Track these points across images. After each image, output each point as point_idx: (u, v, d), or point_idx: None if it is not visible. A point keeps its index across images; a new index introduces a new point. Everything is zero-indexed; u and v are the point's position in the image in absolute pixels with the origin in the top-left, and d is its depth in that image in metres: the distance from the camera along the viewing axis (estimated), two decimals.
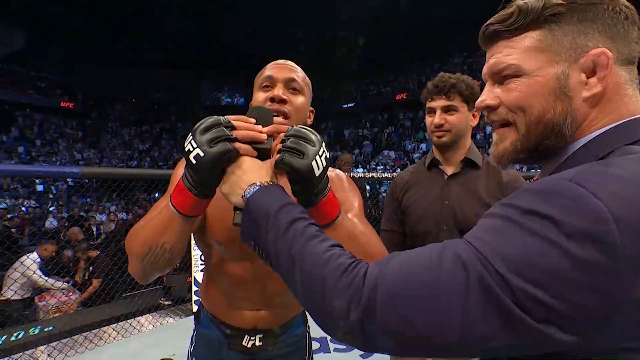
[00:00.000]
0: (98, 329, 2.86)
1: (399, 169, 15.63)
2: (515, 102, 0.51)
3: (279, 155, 0.62)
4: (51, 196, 12.99)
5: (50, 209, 9.26)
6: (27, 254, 3.69)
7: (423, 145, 17.07)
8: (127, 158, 20.08)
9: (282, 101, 0.82)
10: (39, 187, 14.62)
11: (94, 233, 7.17)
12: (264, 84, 0.85)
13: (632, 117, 0.48)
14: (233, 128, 0.62)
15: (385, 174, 3.50)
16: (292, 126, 0.67)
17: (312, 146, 0.63)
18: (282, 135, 0.66)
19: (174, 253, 0.71)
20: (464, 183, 1.25)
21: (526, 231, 0.39)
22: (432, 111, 1.27)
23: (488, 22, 0.54)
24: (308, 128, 0.66)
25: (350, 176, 3.34)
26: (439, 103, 1.25)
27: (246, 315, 0.94)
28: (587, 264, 0.36)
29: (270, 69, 0.86)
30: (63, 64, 20.45)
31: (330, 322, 0.45)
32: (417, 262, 0.44)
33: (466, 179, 1.26)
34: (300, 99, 0.85)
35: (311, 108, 0.93)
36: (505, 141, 0.54)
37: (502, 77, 0.53)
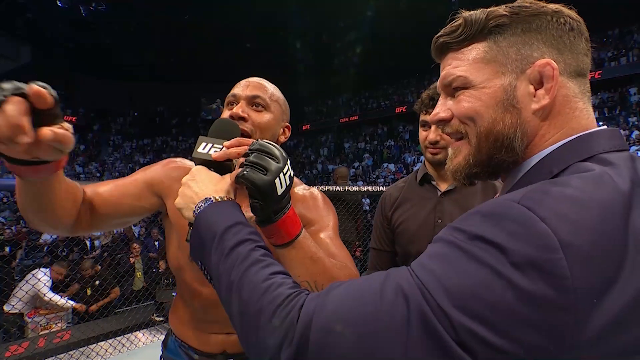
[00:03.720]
0: (95, 344, 2.80)
1: None
2: (465, 113, 0.50)
3: (240, 169, 0.60)
4: None
5: None
6: (40, 268, 3.70)
7: (423, 158, 17.04)
8: (129, 171, 20.13)
9: (241, 119, 0.79)
10: None
11: (87, 246, 7.11)
12: (228, 102, 0.84)
13: (585, 132, 0.46)
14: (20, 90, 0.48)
15: (382, 188, 3.49)
16: (257, 140, 0.64)
17: (276, 162, 0.60)
18: (244, 149, 0.63)
19: (30, 212, 0.68)
20: (459, 200, 1.17)
21: (471, 259, 0.36)
22: (427, 125, 1.20)
23: (438, 34, 0.54)
24: (273, 144, 0.63)
25: (345, 189, 3.32)
26: None
27: (215, 339, 0.91)
28: (534, 297, 0.32)
29: (237, 87, 0.85)
30: (64, 78, 20.72)
31: None
32: (358, 293, 0.40)
33: (461, 195, 1.18)
34: (265, 116, 0.82)
35: (287, 124, 0.91)
36: (459, 155, 0.53)
37: (452, 89, 0.52)
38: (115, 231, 7.30)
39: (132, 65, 21.70)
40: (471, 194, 1.18)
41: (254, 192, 0.59)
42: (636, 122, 13.14)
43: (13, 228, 8.02)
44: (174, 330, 0.96)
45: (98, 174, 19.05)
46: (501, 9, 0.49)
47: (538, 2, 0.49)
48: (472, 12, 0.51)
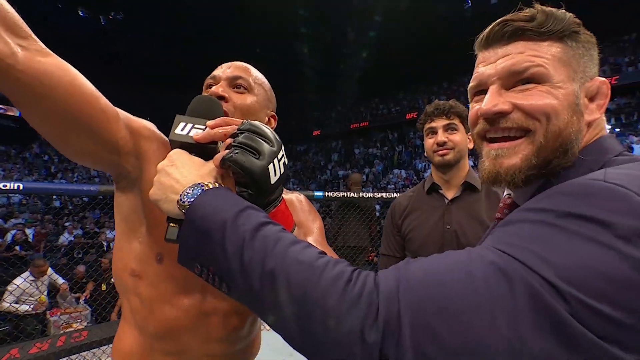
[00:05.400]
0: (107, 346, 2.86)
1: (408, 188, 15.51)
2: (542, 108, 0.46)
3: (227, 151, 0.50)
4: (66, 211, 13.30)
5: (66, 224, 9.45)
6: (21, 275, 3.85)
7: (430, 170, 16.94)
8: None
9: (221, 98, 0.68)
10: (56, 203, 14.98)
11: (104, 247, 7.27)
12: (207, 85, 0.74)
13: (601, 136, 0.50)
14: None
15: (396, 195, 3.50)
16: (247, 120, 0.55)
17: (270, 146, 0.52)
18: (232, 128, 0.54)
19: None
20: (465, 207, 1.24)
21: (571, 235, 0.34)
22: (433, 131, 1.28)
23: (505, 18, 0.50)
24: (266, 125, 0.55)
25: (360, 196, 3.34)
26: (440, 123, 1.26)
27: None
28: None
29: (217, 69, 0.75)
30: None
31: (339, 352, 0.35)
32: (443, 269, 0.36)
33: (467, 202, 1.25)
34: (248, 99, 0.71)
35: (273, 113, 0.79)
36: (515, 156, 0.49)
37: (519, 80, 0.48)
38: None
39: (144, 74, 22.15)
40: (476, 200, 1.25)
41: (244, 178, 0.51)
42: None
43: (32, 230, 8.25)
44: None
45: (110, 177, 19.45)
46: (575, 18, 0.49)
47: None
48: (547, 9, 0.49)
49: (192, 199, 0.47)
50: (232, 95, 0.70)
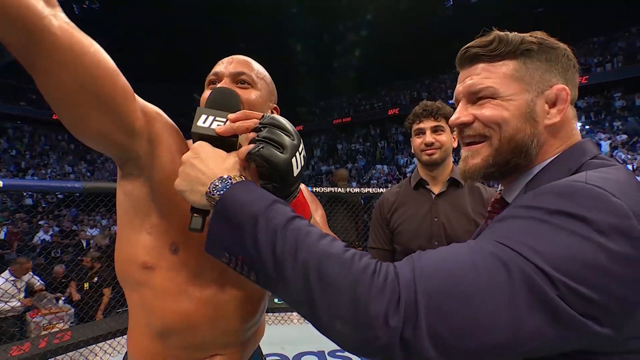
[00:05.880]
0: (94, 345, 2.82)
1: (391, 184, 15.76)
2: (493, 118, 0.56)
3: (252, 145, 0.52)
4: (40, 209, 12.74)
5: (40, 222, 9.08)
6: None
7: (416, 160, 17.24)
8: None
9: None
10: (28, 200, 14.32)
11: (84, 247, 7.05)
12: (210, 81, 0.74)
13: (579, 141, 0.58)
14: None
15: (382, 190, 3.59)
16: (266, 114, 0.57)
17: (292, 139, 0.54)
18: (254, 122, 0.56)
19: None
20: (451, 201, 1.34)
21: (558, 229, 0.41)
22: (422, 132, 1.37)
23: (468, 45, 0.60)
24: (284, 119, 0.57)
25: (347, 191, 3.41)
26: (427, 124, 1.35)
27: None
28: (621, 256, 0.39)
29: (219, 64, 0.75)
30: None
31: (364, 334, 0.39)
32: (450, 258, 0.42)
33: (452, 197, 1.35)
34: (252, 94, 0.72)
35: (275, 106, 0.80)
36: (477, 157, 0.58)
37: (477, 97, 0.58)
38: (113, 232, 7.23)
39: (124, 66, 21.40)
40: (461, 195, 1.35)
41: (269, 171, 0.53)
42: (620, 127, 13.55)
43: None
44: None
45: (88, 174, 18.76)
46: (530, 37, 0.57)
47: (551, 37, 0.59)
48: (505, 32, 0.58)
49: (221, 192, 0.49)
50: (237, 91, 0.70)
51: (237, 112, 0.57)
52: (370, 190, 3.55)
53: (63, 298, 4.29)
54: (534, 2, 15.43)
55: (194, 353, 0.72)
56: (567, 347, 0.41)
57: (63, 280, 4.48)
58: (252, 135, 0.55)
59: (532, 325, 0.38)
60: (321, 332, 0.43)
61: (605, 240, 0.39)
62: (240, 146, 0.57)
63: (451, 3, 14.64)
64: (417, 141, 1.38)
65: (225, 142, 0.56)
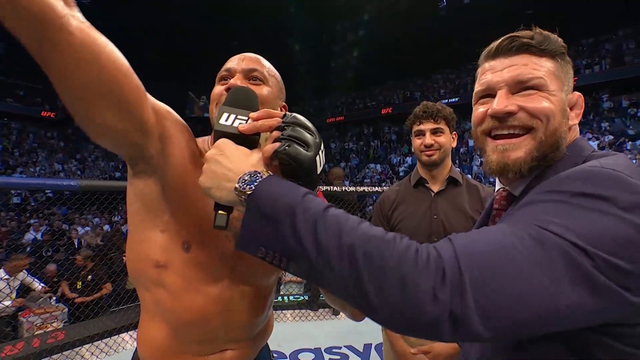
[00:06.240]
0: (90, 344, 2.81)
1: (384, 182, 15.87)
2: (543, 110, 0.56)
3: (278, 143, 0.54)
4: (29, 208, 12.50)
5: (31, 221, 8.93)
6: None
7: (409, 159, 17.46)
8: (111, 169, 19.61)
9: None
10: (15, 199, 14.06)
11: (75, 245, 6.97)
12: (221, 77, 0.74)
13: (577, 138, 0.62)
14: None
15: (377, 188, 3.64)
16: (288, 113, 0.59)
17: (314, 138, 0.56)
18: (277, 121, 0.57)
19: None
20: (450, 199, 1.39)
21: (585, 209, 0.44)
22: (421, 133, 1.40)
23: (514, 34, 0.60)
24: (304, 118, 0.59)
25: (342, 189, 3.45)
26: (427, 126, 1.39)
27: None
28: None
29: (230, 61, 0.75)
30: (42, 71, 19.95)
31: (415, 310, 0.40)
32: (489, 241, 0.44)
33: (451, 195, 1.40)
34: (264, 90, 0.73)
35: (284, 104, 0.81)
36: (519, 150, 0.58)
37: (523, 87, 0.58)
38: (105, 231, 7.15)
39: None
40: (459, 193, 1.40)
41: (296, 170, 0.53)
42: (608, 127, 13.85)
43: None
44: (145, 357, 0.74)
45: (79, 172, 18.48)
46: (561, 40, 0.60)
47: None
48: (544, 32, 0.60)
49: (252, 186, 0.49)
50: (251, 88, 0.70)
51: (259, 111, 0.58)
52: (365, 189, 3.59)
53: (55, 297, 4.25)
54: (525, 4, 15.66)
55: (205, 347, 0.74)
56: (602, 318, 0.43)
57: (55, 280, 4.44)
58: (275, 134, 0.56)
59: (574, 297, 0.40)
60: (368, 314, 0.44)
61: (631, 215, 0.42)
62: (259, 145, 0.58)
63: (445, 4, 14.76)
64: (417, 142, 1.42)
65: (247, 140, 0.57)
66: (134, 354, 0.79)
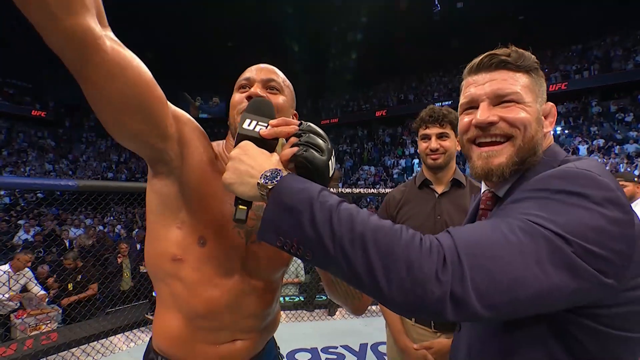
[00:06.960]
0: (86, 345, 2.80)
1: (378, 184, 15.94)
2: (520, 119, 0.64)
3: (297, 148, 0.60)
4: (19, 209, 12.29)
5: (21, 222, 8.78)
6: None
7: (402, 161, 17.59)
8: (103, 169, 19.37)
9: None
10: (5, 199, 13.81)
11: (67, 246, 6.90)
12: (240, 85, 0.81)
13: (551, 145, 0.70)
14: None
15: (373, 190, 3.68)
16: (303, 122, 0.66)
17: (327, 145, 0.63)
18: (294, 128, 0.64)
19: None
20: (453, 200, 1.44)
21: (564, 204, 0.51)
22: (427, 137, 1.45)
23: (493, 52, 0.68)
24: (317, 126, 0.66)
25: (338, 191, 3.49)
26: (433, 130, 1.44)
27: (218, 350, 0.79)
28: (616, 220, 0.49)
29: (249, 71, 0.82)
30: (32, 70, 19.53)
31: (420, 291, 0.45)
32: (483, 232, 0.50)
33: (455, 196, 1.45)
34: (280, 99, 0.80)
35: (295, 112, 0.88)
36: (501, 156, 0.65)
37: (503, 100, 0.65)
38: (98, 231, 7.08)
39: None
40: (462, 194, 1.45)
41: (311, 172, 0.59)
42: (597, 132, 14.14)
43: None
44: (164, 351, 0.79)
45: (70, 172, 18.22)
46: (533, 57, 0.67)
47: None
48: (519, 50, 0.68)
49: (275, 181, 0.54)
50: (269, 97, 0.77)
51: (279, 119, 0.65)
52: (361, 190, 3.64)
53: (48, 299, 4.20)
54: (517, 9, 15.94)
55: (218, 336, 0.79)
56: (584, 299, 0.50)
57: (46, 282, 4.39)
58: (293, 139, 0.62)
59: (557, 279, 0.46)
60: (378, 297, 0.49)
61: (602, 209, 0.49)
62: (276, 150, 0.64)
63: (439, 8, 14.96)
64: (422, 145, 1.47)
65: (266, 144, 0.63)
66: (148, 344, 0.84)
